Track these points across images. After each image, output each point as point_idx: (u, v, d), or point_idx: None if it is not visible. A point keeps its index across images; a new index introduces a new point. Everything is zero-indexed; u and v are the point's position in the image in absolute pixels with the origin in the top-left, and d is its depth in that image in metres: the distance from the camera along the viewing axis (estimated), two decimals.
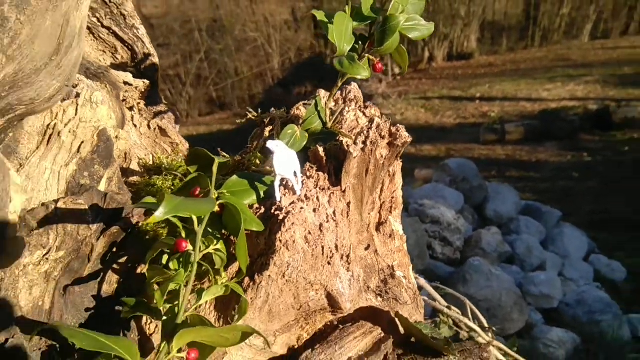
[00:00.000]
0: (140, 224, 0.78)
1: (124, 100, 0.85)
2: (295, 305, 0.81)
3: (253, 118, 0.90)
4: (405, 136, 0.78)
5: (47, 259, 0.71)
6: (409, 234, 3.27)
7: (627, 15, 16.97)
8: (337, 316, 0.90)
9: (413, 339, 0.97)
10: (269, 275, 0.75)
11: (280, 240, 0.73)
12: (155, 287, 0.75)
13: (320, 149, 0.81)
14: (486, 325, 1.51)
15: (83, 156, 0.75)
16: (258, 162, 0.86)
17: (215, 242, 0.68)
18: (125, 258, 0.79)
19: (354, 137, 0.82)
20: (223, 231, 0.76)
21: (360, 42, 0.76)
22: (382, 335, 0.92)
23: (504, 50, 16.42)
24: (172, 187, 0.85)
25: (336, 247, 0.80)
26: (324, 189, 0.79)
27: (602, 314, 3.79)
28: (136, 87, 0.88)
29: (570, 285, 4.25)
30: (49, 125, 0.73)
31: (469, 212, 4.88)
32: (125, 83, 0.85)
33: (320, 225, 0.77)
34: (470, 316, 1.47)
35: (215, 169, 0.73)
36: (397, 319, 0.95)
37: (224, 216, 0.73)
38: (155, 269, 0.70)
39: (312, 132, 0.83)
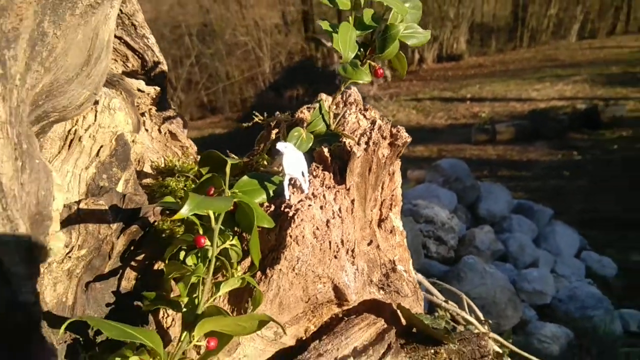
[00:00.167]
0: (156, 223, 0.82)
1: (137, 106, 0.90)
2: (304, 297, 0.85)
3: (259, 122, 0.95)
4: (405, 136, 0.83)
5: (69, 257, 0.75)
6: None
7: (613, 15, 17.20)
8: (342, 308, 0.95)
9: (414, 329, 1.02)
10: (280, 269, 0.80)
11: (291, 236, 0.78)
12: (172, 282, 0.80)
13: (325, 150, 0.86)
14: (482, 318, 1.56)
15: (102, 159, 0.79)
16: (266, 163, 0.91)
17: (231, 237, 0.73)
18: (142, 255, 0.83)
19: (356, 138, 0.88)
20: (235, 228, 0.81)
21: (361, 49, 0.81)
22: (385, 326, 0.97)
23: (493, 51, 16.57)
24: (185, 188, 0.89)
25: (342, 242, 0.85)
26: (329, 187, 0.84)
27: (594, 309, 3.86)
28: (148, 94, 0.93)
29: (562, 281, 4.33)
30: (69, 130, 0.77)
31: (462, 211, 4.95)
32: (138, 90, 0.90)
33: (327, 221, 0.82)
34: (467, 310, 1.53)
35: (228, 169, 0.77)
36: (399, 311, 1.00)
37: (236, 214, 0.78)
38: (173, 264, 0.75)
39: (316, 134, 0.88)
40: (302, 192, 0.82)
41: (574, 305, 3.94)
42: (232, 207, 0.71)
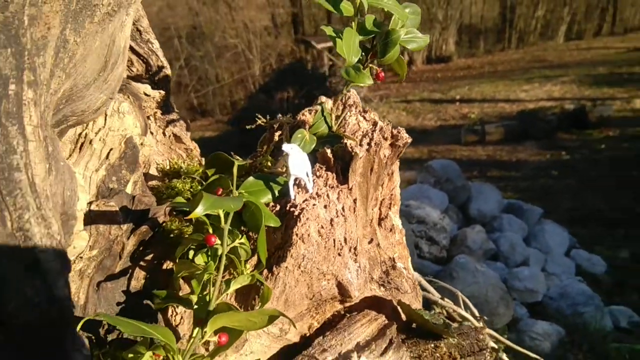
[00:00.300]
0: (165, 224, 0.85)
1: (143, 109, 0.92)
2: (309, 294, 0.88)
3: (262, 124, 0.97)
4: (405, 137, 0.86)
5: (81, 257, 0.77)
6: None
7: (599, 16, 17.41)
8: (344, 305, 0.97)
9: (414, 325, 1.05)
10: (286, 267, 0.82)
11: (297, 234, 0.81)
12: (181, 280, 0.82)
13: (328, 151, 0.89)
14: (477, 315, 1.59)
15: (111, 162, 0.82)
16: (269, 164, 0.94)
17: (240, 236, 0.75)
18: (151, 255, 0.85)
19: (357, 140, 0.90)
20: (242, 227, 0.83)
21: (363, 54, 0.84)
22: (386, 322, 1.00)
23: (481, 52, 16.71)
24: (191, 190, 0.91)
25: (345, 240, 0.88)
26: (333, 187, 0.87)
27: (584, 306, 3.92)
28: (153, 98, 0.95)
29: (553, 279, 4.39)
30: (80, 134, 0.79)
31: (453, 211, 5.00)
32: (144, 94, 0.92)
33: (331, 220, 0.85)
34: (462, 307, 1.56)
35: (235, 171, 0.80)
36: (399, 307, 1.02)
37: (243, 214, 0.80)
38: (184, 263, 0.77)
39: (319, 135, 0.91)
40: (307, 191, 0.85)
41: (565, 303, 4.00)
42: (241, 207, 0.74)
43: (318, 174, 0.87)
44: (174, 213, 0.88)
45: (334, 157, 0.89)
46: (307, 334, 0.96)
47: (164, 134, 1.01)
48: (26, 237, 0.41)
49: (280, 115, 1.00)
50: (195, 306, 0.75)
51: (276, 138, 0.97)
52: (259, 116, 0.98)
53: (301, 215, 0.81)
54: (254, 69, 14.38)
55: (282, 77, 11.65)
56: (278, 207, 0.85)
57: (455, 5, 16.04)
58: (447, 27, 15.64)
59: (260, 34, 14.92)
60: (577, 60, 13.80)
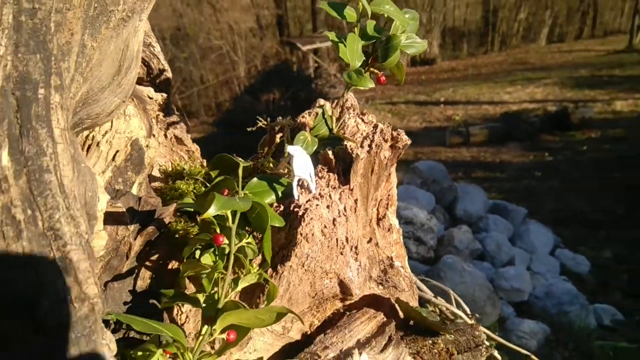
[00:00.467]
0: (170, 224, 0.86)
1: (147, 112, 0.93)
2: (311, 292, 0.90)
3: (263, 126, 0.99)
4: (405, 139, 0.89)
5: None
6: None
7: (580, 19, 17.70)
8: (344, 303, 0.99)
9: (411, 322, 1.08)
10: (290, 266, 0.84)
11: (301, 234, 0.83)
12: (187, 279, 0.84)
13: (330, 153, 0.91)
14: (469, 313, 1.62)
15: (118, 164, 0.83)
16: (272, 165, 0.96)
17: (247, 236, 0.77)
18: (157, 255, 0.86)
19: (357, 141, 0.93)
20: (246, 228, 0.85)
21: (363, 58, 0.86)
22: (385, 319, 1.02)
23: (465, 55, 16.88)
24: (194, 191, 0.93)
25: (346, 239, 0.90)
26: (334, 187, 0.89)
27: (569, 305, 3.99)
28: (156, 100, 0.96)
29: (538, 278, 4.46)
30: (87, 136, 0.80)
31: (440, 212, 5.05)
32: (148, 97, 0.93)
33: (334, 219, 0.87)
34: (454, 305, 1.59)
35: (240, 172, 0.81)
36: (397, 305, 1.05)
37: (249, 214, 0.82)
38: (191, 262, 0.79)
39: (320, 137, 0.93)
40: (310, 192, 0.87)
41: (551, 302, 4.07)
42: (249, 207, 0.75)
43: (320, 175, 0.90)
44: (178, 214, 0.90)
45: (335, 159, 0.91)
46: (308, 332, 0.98)
47: (165, 136, 1.02)
48: (57, 236, 0.42)
49: (280, 117, 1.02)
50: (204, 304, 0.76)
51: (277, 140, 0.99)
52: (260, 118, 1.00)
53: (305, 215, 0.83)
54: (239, 70, 14.35)
55: (267, 79, 11.66)
56: (282, 208, 0.87)
57: (439, 8, 16.20)
58: (430, 30, 15.78)
59: (245, 36, 14.89)
60: (559, 63, 14.02)
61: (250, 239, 0.79)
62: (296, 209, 0.85)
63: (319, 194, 0.87)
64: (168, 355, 0.72)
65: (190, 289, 0.85)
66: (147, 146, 0.86)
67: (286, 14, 15.58)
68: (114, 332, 0.83)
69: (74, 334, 0.41)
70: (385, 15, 0.82)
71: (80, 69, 0.55)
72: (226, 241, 0.75)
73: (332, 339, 0.93)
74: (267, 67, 13.48)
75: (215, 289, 0.76)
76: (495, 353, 1.54)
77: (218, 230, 0.77)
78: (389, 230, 1.07)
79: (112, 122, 0.82)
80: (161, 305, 0.80)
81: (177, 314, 0.87)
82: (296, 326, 0.94)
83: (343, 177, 0.91)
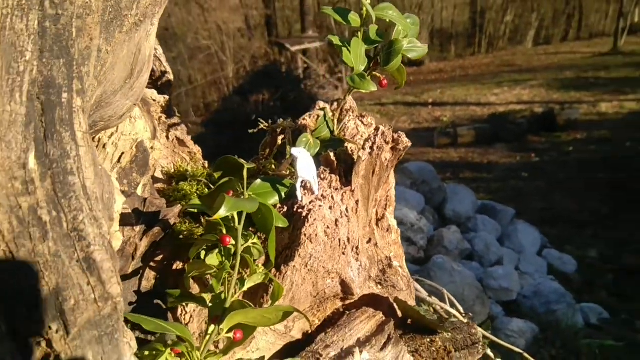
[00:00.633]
0: (175, 225, 0.87)
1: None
2: (313, 292, 0.91)
3: (265, 128, 1.01)
4: (405, 141, 0.91)
5: None
6: None
7: (566, 22, 17.90)
8: (344, 303, 1.01)
9: (410, 321, 1.10)
10: (294, 266, 0.85)
11: (305, 234, 0.84)
12: (191, 280, 0.85)
13: (331, 154, 0.92)
14: (463, 312, 1.65)
15: (123, 166, 0.84)
16: (274, 167, 0.97)
17: (253, 236, 0.78)
18: (161, 256, 0.87)
19: (358, 143, 0.95)
20: (250, 228, 0.86)
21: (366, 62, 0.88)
22: (384, 318, 1.04)
23: (452, 56, 16.99)
24: (198, 192, 0.94)
25: (348, 239, 0.92)
26: (337, 189, 0.91)
27: (557, 304, 4.05)
28: (158, 102, 0.97)
29: (526, 278, 4.51)
30: (93, 138, 0.81)
31: (429, 212, 5.09)
32: (152, 99, 0.94)
33: (336, 220, 0.88)
34: (448, 304, 1.61)
35: (245, 174, 0.83)
36: (395, 304, 1.07)
37: (254, 215, 0.83)
38: (196, 263, 0.80)
39: (322, 139, 0.95)
40: (313, 193, 0.88)
41: (539, 301, 4.13)
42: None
43: (323, 176, 0.91)
44: (182, 215, 0.91)
45: (337, 160, 0.93)
46: (309, 331, 0.99)
47: (167, 137, 1.03)
48: (80, 237, 0.43)
49: (281, 119, 1.03)
50: (210, 304, 0.78)
51: (279, 142, 1.01)
52: (261, 120, 1.02)
53: (309, 216, 0.85)
54: (227, 71, 14.30)
55: (256, 80, 11.63)
56: (285, 209, 0.89)
57: (427, 9, 16.31)
58: (419, 32, 15.84)
59: (234, 36, 14.84)
60: (545, 65, 14.17)
61: (255, 240, 0.80)
62: (300, 210, 0.86)
63: (322, 195, 0.89)
64: (175, 354, 0.73)
65: (195, 289, 0.87)
66: (151, 148, 0.87)
67: (275, 15, 15.58)
68: None
69: (98, 332, 0.42)
70: (388, 20, 0.84)
71: (95, 72, 0.56)
72: (232, 242, 0.76)
73: (333, 338, 0.95)
74: (256, 67, 13.46)
75: (221, 288, 0.77)
76: (489, 351, 1.57)
77: (224, 231, 0.78)
78: (387, 230, 1.09)
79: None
80: (168, 304, 0.82)
81: (181, 314, 0.88)
82: (298, 325, 0.96)
83: (344, 179, 0.93)
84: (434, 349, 1.03)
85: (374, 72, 0.89)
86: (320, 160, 0.94)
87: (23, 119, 0.41)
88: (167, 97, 1.00)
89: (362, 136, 1.01)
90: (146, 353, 0.75)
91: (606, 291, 4.69)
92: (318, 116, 1.01)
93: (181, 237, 0.88)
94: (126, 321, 0.84)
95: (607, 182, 7.14)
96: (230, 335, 0.74)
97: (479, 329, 1.49)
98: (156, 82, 1.03)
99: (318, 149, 0.92)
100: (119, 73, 0.60)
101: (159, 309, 0.86)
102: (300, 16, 14.93)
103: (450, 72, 14.96)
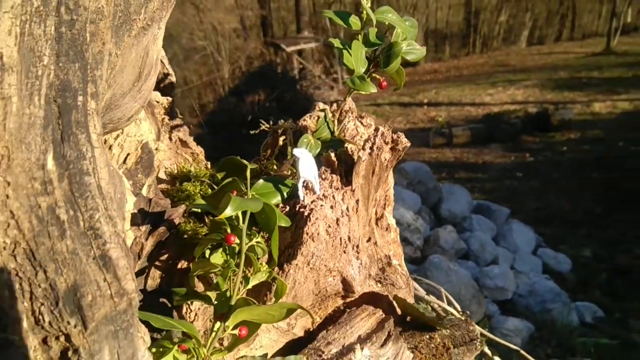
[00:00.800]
0: (179, 225, 0.89)
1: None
2: (315, 290, 0.93)
3: (266, 129, 1.02)
4: (405, 142, 0.93)
5: None
6: None
7: (559, 22, 17.99)
8: (345, 300, 1.03)
9: (409, 318, 1.12)
10: (296, 264, 0.87)
11: (307, 233, 0.86)
12: (196, 278, 0.87)
13: (332, 155, 0.94)
14: (460, 310, 1.67)
15: (128, 166, 0.85)
16: (275, 167, 0.99)
17: (257, 235, 0.80)
18: (166, 255, 0.89)
19: (358, 144, 0.96)
20: (253, 228, 0.88)
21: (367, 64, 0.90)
22: (384, 315, 1.06)
23: (447, 57, 17.04)
24: (201, 192, 0.96)
25: (349, 238, 0.93)
26: (337, 188, 0.92)
27: (552, 303, 4.09)
28: (161, 104, 0.99)
29: (521, 277, 4.55)
30: None
31: (425, 212, 5.12)
32: (155, 101, 0.96)
33: (337, 219, 0.90)
34: (445, 303, 1.63)
35: (248, 174, 0.84)
36: (394, 301, 1.09)
37: (257, 215, 0.85)
38: (201, 261, 0.81)
39: (322, 140, 0.96)
40: (314, 193, 0.90)
41: (534, 300, 4.16)
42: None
43: (324, 176, 0.93)
44: (186, 215, 0.92)
45: (338, 161, 0.95)
46: (311, 329, 1.01)
47: (170, 138, 1.04)
48: (96, 235, 0.45)
49: (282, 120, 1.05)
50: (216, 302, 0.79)
51: (280, 143, 1.02)
52: (262, 122, 1.03)
53: (311, 215, 0.86)
54: (223, 71, 14.29)
55: (252, 80, 11.64)
56: (287, 208, 0.90)
57: (422, 10, 16.36)
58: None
59: (229, 36, 14.84)
60: (539, 65, 14.24)
61: (259, 238, 0.82)
62: (302, 210, 0.88)
63: (323, 194, 0.90)
64: (182, 351, 0.75)
65: (199, 287, 0.88)
66: (156, 149, 0.89)
67: (270, 15, 15.59)
68: None
69: (114, 327, 0.44)
70: (387, 23, 0.86)
71: (105, 75, 0.57)
72: (237, 240, 0.78)
73: (334, 335, 0.97)
74: (251, 68, 13.47)
75: (226, 286, 0.79)
76: (486, 349, 1.59)
77: (229, 230, 0.80)
78: (386, 229, 1.11)
79: None
80: (174, 303, 0.83)
81: (186, 312, 0.89)
82: (300, 323, 0.97)
83: (345, 179, 0.95)
84: (433, 345, 1.05)
85: (374, 74, 0.91)
86: (321, 160, 0.96)
87: (41, 121, 0.43)
88: (169, 98, 1.01)
89: (361, 137, 1.03)
90: (153, 350, 0.76)
91: (600, 290, 4.73)
92: (318, 117, 1.03)
93: (186, 236, 0.89)
94: None
95: (600, 182, 7.19)
96: (236, 332, 0.75)
97: (477, 326, 1.52)
98: (159, 83, 1.05)
99: (319, 150, 0.93)
100: (128, 76, 0.62)
101: (165, 307, 0.87)
102: (295, 17, 14.96)
103: (445, 73, 15.02)
